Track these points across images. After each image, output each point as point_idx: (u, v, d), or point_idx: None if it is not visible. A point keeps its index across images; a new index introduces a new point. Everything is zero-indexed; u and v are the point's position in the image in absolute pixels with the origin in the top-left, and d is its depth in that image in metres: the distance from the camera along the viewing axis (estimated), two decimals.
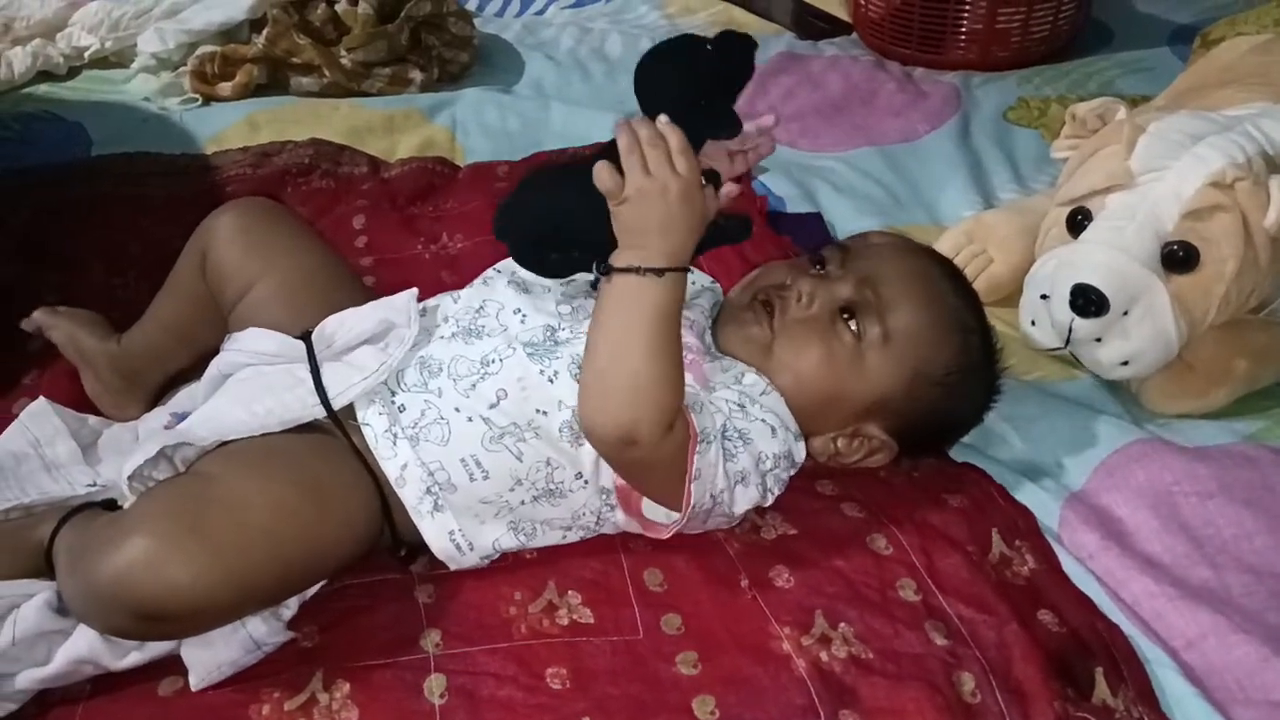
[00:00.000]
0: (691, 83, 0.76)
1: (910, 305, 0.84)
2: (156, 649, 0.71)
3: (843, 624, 0.76)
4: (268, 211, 0.95)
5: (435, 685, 0.71)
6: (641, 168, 0.71)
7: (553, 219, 0.75)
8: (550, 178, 0.76)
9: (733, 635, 0.76)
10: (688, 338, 0.82)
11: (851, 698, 0.71)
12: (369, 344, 0.83)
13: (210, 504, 0.70)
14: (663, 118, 0.74)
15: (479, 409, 0.78)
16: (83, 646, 0.70)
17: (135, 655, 0.71)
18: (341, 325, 0.84)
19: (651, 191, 0.71)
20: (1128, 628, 0.79)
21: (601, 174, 0.72)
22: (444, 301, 0.88)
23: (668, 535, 0.80)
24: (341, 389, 0.79)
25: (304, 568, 0.74)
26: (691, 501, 0.75)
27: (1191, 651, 0.78)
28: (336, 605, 0.77)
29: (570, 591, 0.78)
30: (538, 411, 0.78)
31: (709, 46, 0.76)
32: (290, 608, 0.75)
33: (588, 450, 0.77)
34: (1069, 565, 0.84)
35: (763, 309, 0.86)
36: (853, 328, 0.83)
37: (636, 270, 0.72)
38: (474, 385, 0.79)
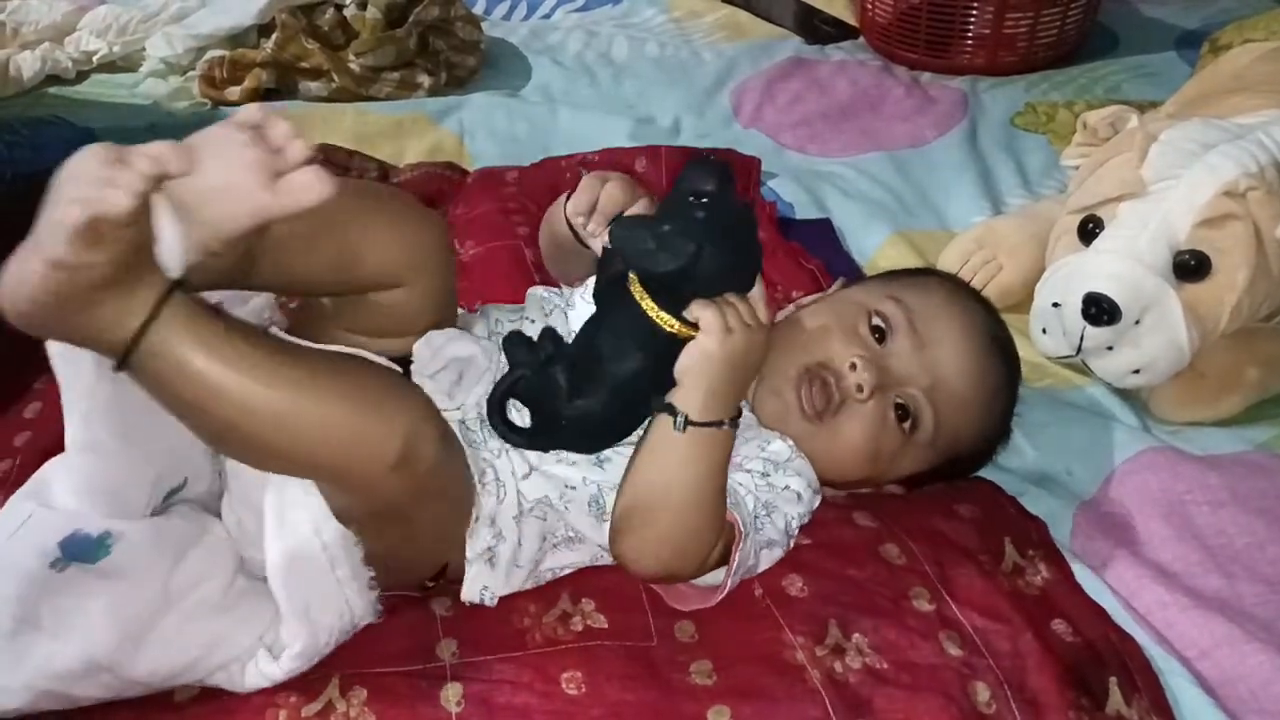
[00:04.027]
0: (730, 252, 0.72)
1: (966, 415, 0.83)
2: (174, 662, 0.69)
3: (856, 634, 0.76)
4: None
5: (452, 694, 0.71)
6: (735, 326, 0.71)
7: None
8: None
9: (746, 645, 0.75)
10: None
11: (866, 709, 0.71)
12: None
13: None
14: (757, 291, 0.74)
15: (513, 482, 0.76)
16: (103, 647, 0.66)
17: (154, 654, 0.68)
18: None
19: (742, 347, 0.72)
20: (1141, 637, 0.79)
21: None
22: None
23: (695, 605, 0.77)
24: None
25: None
26: (728, 588, 0.75)
27: (1205, 661, 0.78)
28: None
29: (584, 599, 0.78)
30: (566, 486, 0.77)
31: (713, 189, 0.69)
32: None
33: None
34: (1081, 574, 0.84)
35: (811, 389, 0.80)
36: (905, 427, 0.81)
37: (719, 424, 0.72)
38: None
